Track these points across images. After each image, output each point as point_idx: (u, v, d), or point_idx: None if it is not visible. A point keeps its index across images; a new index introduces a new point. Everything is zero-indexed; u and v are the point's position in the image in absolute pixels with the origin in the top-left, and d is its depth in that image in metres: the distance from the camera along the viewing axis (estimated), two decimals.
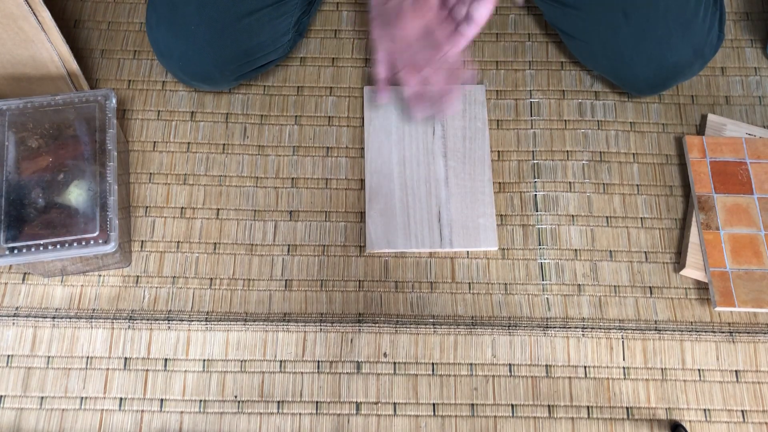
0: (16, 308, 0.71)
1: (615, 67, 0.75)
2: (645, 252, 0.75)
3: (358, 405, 0.68)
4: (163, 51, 0.71)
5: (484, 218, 0.75)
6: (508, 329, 0.71)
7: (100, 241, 0.63)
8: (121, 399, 0.68)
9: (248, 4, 0.70)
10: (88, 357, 0.69)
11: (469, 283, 0.73)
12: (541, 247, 0.75)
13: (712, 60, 0.83)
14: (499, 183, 0.78)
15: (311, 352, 0.70)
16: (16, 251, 0.62)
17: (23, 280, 0.72)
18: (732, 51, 0.85)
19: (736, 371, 0.70)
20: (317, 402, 0.68)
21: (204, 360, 0.70)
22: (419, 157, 0.77)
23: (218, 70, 0.73)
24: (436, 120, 0.79)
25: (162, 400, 0.68)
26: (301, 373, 0.69)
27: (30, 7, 0.65)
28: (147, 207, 0.76)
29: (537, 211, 0.77)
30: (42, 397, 0.68)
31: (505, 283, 0.73)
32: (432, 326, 0.71)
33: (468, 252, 0.74)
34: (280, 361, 0.70)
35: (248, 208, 0.76)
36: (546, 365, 0.70)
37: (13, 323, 0.70)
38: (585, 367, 0.70)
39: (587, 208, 0.77)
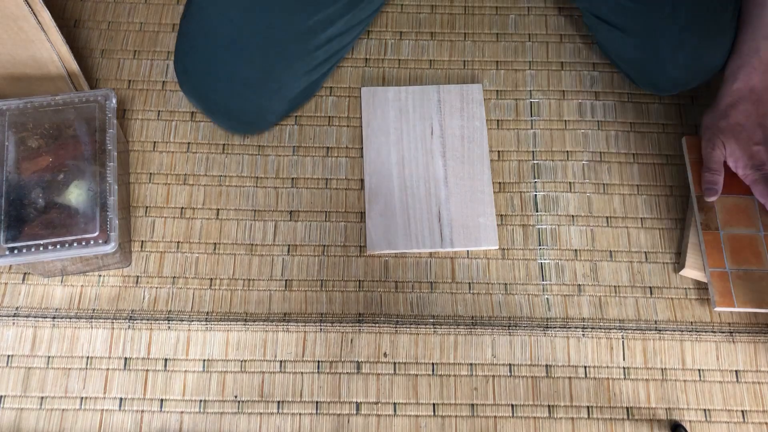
0: (16, 308, 0.71)
1: (645, 61, 0.74)
2: (645, 252, 0.75)
3: (358, 405, 0.68)
4: (213, 107, 0.73)
5: (484, 217, 0.75)
6: (508, 329, 0.71)
7: (100, 241, 0.63)
8: (121, 399, 0.68)
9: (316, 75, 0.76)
10: (88, 357, 0.69)
11: (469, 283, 0.73)
12: (541, 247, 0.75)
13: None
14: (499, 183, 0.78)
15: (311, 352, 0.70)
16: (16, 251, 0.62)
17: (23, 280, 0.72)
18: None
19: (736, 371, 0.70)
20: (317, 402, 0.68)
21: (204, 360, 0.70)
22: (418, 157, 0.77)
23: (271, 123, 0.77)
24: (434, 120, 0.79)
25: (162, 400, 0.68)
26: (301, 373, 0.70)
27: (30, 7, 0.64)
28: (147, 207, 0.76)
29: (537, 211, 0.77)
30: (42, 397, 0.68)
31: (505, 283, 0.73)
32: (432, 326, 0.71)
33: (468, 252, 0.75)
34: (280, 361, 0.70)
35: (248, 208, 0.76)
36: (546, 365, 0.70)
37: (13, 323, 0.70)
38: (585, 367, 0.70)
39: (587, 208, 0.77)
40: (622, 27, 0.74)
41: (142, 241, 0.74)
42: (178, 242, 0.74)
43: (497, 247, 0.74)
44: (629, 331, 0.72)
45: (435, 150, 0.78)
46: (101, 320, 0.71)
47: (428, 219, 0.75)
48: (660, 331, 0.72)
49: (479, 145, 0.78)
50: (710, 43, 0.69)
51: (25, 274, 0.73)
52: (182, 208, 0.76)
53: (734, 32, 0.70)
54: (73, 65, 0.73)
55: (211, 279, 0.73)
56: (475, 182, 0.76)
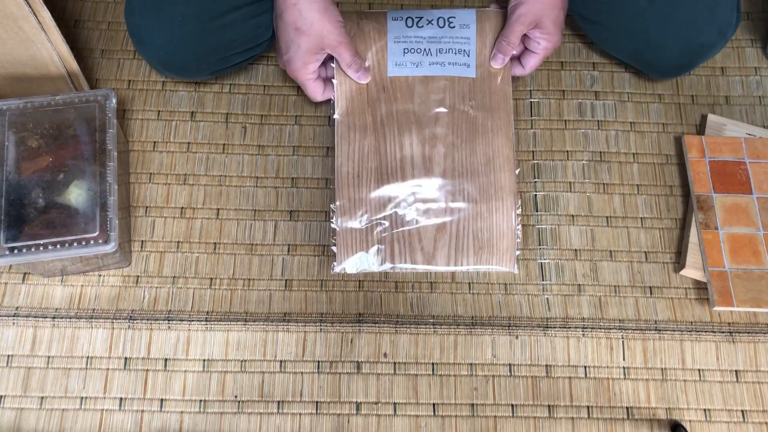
0: (16, 308, 0.71)
1: (640, 50, 0.75)
2: (645, 252, 0.75)
3: (358, 405, 0.69)
4: (144, 38, 0.71)
5: None
6: (508, 329, 0.71)
7: (100, 241, 0.63)
8: (121, 399, 0.68)
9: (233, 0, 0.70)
10: (88, 357, 0.70)
11: (469, 283, 0.73)
12: (541, 247, 0.75)
13: (711, 60, 0.84)
14: None
15: (311, 352, 0.70)
16: (16, 251, 0.62)
17: (23, 280, 0.72)
18: (732, 51, 0.85)
19: (736, 371, 0.70)
20: (317, 402, 0.68)
21: (204, 360, 0.70)
22: None
23: (196, 62, 0.73)
24: None
25: (162, 400, 0.68)
26: (301, 373, 0.70)
27: (30, 7, 0.65)
28: (147, 207, 0.76)
29: (537, 211, 0.77)
30: (42, 397, 0.68)
31: (505, 283, 0.73)
32: (432, 326, 0.71)
33: None
34: (280, 361, 0.70)
35: (248, 208, 0.76)
36: (546, 365, 0.70)
37: (13, 323, 0.70)
38: (585, 367, 0.70)
39: (587, 208, 0.77)
40: (606, 23, 0.74)
41: (142, 241, 0.74)
42: (178, 242, 0.74)
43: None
44: (629, 331, 0.72)
45: None
46: (101, 320, 0.71)
47: None
48: (660, 331, 0.72)
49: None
50: (697, 19, 0.70)
51: (25, 274, 0.73)
52: (182, 208, 0.76)
53: (726, 8, 0.70)
54: (73, 65, 0.73)
55: (211, 279, 0.73)
56: None
